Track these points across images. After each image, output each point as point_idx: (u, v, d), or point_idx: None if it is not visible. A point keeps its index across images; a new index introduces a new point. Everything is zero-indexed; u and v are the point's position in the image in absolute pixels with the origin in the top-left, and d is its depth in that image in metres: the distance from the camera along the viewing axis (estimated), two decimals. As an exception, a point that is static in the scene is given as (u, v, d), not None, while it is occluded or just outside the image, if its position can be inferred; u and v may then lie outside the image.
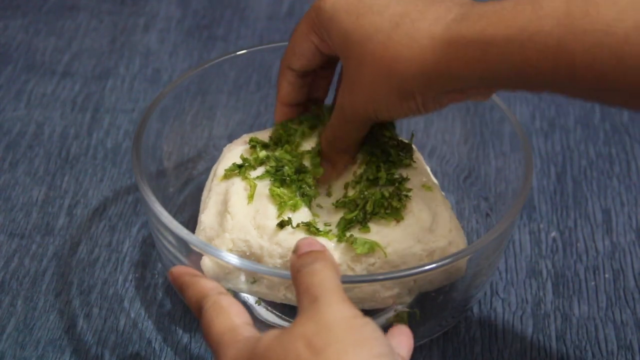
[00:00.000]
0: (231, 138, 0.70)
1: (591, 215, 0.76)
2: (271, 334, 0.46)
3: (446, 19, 0.53)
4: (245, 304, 0.63)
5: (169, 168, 0.71)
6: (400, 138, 0.65)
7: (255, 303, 0.63)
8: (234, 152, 0.66)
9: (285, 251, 0.58)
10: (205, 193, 0.66)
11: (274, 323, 0.63)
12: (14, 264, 0.71)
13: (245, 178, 0.62)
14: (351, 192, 0.63)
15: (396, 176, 0.62)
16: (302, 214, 0.61)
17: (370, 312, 0.59)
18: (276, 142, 0.65)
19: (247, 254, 0.59)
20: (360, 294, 0.58)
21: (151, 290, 0.69)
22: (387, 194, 0.61)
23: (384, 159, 0.63)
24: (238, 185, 0.62)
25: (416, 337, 0.54)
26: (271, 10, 1.01)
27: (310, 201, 0.62)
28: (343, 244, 0.59)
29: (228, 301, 0.52)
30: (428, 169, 0.68)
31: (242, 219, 0.60)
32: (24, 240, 0.73)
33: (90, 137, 0.83)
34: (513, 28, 0.49)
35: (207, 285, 0.53)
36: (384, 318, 0.60)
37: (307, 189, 0.62)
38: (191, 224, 0.67)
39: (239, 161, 0.64)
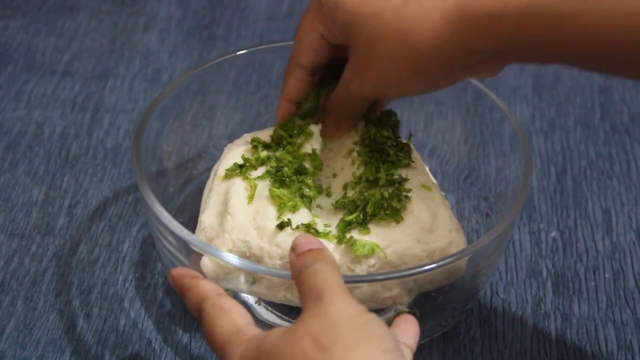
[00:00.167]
0: (231, 138, 0.70)
1: (591, 215, 0.76)
2: (277, 332, 0.46)
3: None
4: (245, 304, 0.63)
5: (169, 168, 0.71)
6: (399, 138, 0.65)
7: (255, 303, 0.63)
8: (235, 152, 0.66)
9: (285, 252, 0.58)
10: (205, 193, 0.66)
11: (274, 323, 0.63)
12: (14, 264, 0.71)
13: (245, 178, 0.62)
14: (350, 193, 0.63)
15: (395, 177, 0.62)
16: (302, 215, 0.61)
17: (370, 312, 0.59)
18: (277, 142, 0.65)
19: (247, 254, 0.59)
20: (360, 295, 0.58)
21: (151, 290, 0.69)
22: (386, 195, 0.61)
23: (383, 160, 0.63)
24: (239, 186, 0.62)
25: (416, 337, 0.54)
26: (271, 10, 1.01)
27: (310, 202, 0.62)
28: (343, 246, 0.59)
29: (229, 303, 0.52)
30: (427, 169, 0.68)
31: (242, 220, 0.60)
32: (24, 240, 0.73)
33: (90, 137, 0.83)
34: (523, 1, 0.49)
35: (207, 287, 0.53)
36: (384, 318, 0.60)
37: (307, 190, 0.62)
38: (191, 224, 0.67)
39: (240, 161, 0.64)
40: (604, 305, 0.68)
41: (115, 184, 0.78)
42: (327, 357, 0.43)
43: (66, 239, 0.73)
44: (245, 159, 0.64)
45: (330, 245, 0.59)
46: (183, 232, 0.57)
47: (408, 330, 0.52)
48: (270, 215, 0.60)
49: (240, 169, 0.63)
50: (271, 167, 0.63)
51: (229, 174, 0.63)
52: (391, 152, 0.63)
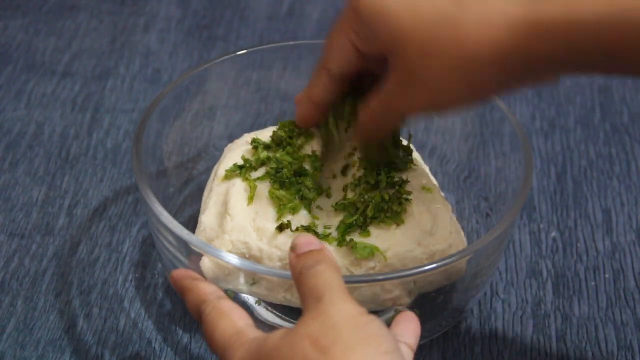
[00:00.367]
0: (231, 138, 0.70)
1: (591, 215, 0.76)
2: (277, 333, 0.46)
3: None
4: (245, 304, 0.63)
5: (169, 168, 0.71)
6: (400, 140, 0.65)
7: (255, 303, 0.63)
8: (235, 152, 0.66)
9: (285, 254, 0.58)
10: (206, 193, 0.66)
11: (274, 323, 0.63)
12: (14, 264, 0.71)
13: (245, 179, 0.62)
14: (350, 195, 0.63)
15: (396, 179, 0.62)
16: (302, 217, 0.61)
17: (370, 313, 0.59)
18: (278, 143, 0.65)
19: (247, 256, 0.59)
20: (360, 297, 0.58)
21: (151, 290, 0.69)
22: (387, 198, 0.61)
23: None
24: (238, 186, 0.62)
25: (416, 337, 0.54)
26: (271, 10, 1.00)
27: (309, 204, 0.62)
28: (343, 248, 0.59)
29: (229, 305, 0.52)
30: (427, 169, 0.68)
31: (242, 221, 0.60)
32: (24, 240, 0.73)
33: (90, 137, 0.83)
34: (604, 5, 0.45)
35: (206, 289, 0.53)
36: (384, 319, 0.60)
37: (307, 191, 0.62)
38: (191, 224, 0.67)
39: (240, 161, 0.64)
40: (604, 305, 0.68)
41: (115, 184, 0.78)
42: (327, 358, 0.43)
43: (66, 239, 0.73)
44: (245, 160, 0.64)
45: (330, 248, 0.59)
46: (183, 232, 0.57)
47: (408, 328, 0.52)
48: (269, 217, 0.60)
49: (240, 170, 0.63)
50: (271, 168, 0.63)
51: (229, 175, 0.63)
52: (391, 154, 0.63)
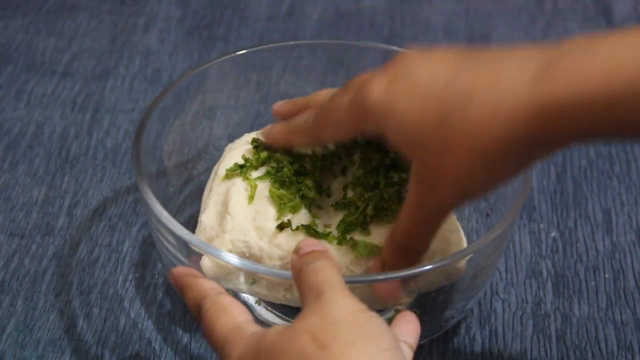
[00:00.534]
0: (231, 138, 0.70)
1: (591, 215, 0.76)
2: (276, 329, 0.46)
3: (523, 81, 0.46)
4: (245, 304, 0.63)
5: (169, 168, 0.71)
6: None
7: (255, 303, 0.63)
8: (236, 152, 0.65)
9: (285, 253, 0.58)
10: (206, 193, 0.66)
11: (273, 323, 0.63)
12: (14, 264, 0.71)
13: (246, 178, 0.62)
14: (350, 194, 0.63)
15: (396, 179, 0.62)
16: (302, 216, 0.61)
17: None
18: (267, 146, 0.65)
19: (247, 255, 0.59)
20: (359, 296, 0.58)
21: (151, 290, 0.69)
22: (387, 197, 0.61)
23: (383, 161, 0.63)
24: (239, 186, 0.62)
25: (416, 337, 0.54)
26: (271, 10, 1.01)
27: (310, 203, 0.62)
28: (343, 247, 0.59)
29: (229, 301, 0.52)
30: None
31: (242, 220, 0.60)
32: (24, 240, 0.73)
33: (90, 137, 0.83)
34: (616, 84, 0.44)
35: (207, 285, 0.53)
36: (384, 318, 0.60)
37: (307, 191, 0.62)
38: (191, 224, 0.67)
39: (241, 161, 0.64)
40: (604, 305, 0.68)
41: (115, 184, 0.78)
42: (326, 354, 0.43)
43: (66, 239, 0.73)
44: (246, 159, 0.64)
45: (330, 247, 0.59)
46: (183, 232, 0.57)
47: (408, 328, 0.52)
48: (270, 216, 0.60)
49: (241, 169, 0.63)
50: (271, 167, 0.63)
51: (229, 174, 0.63)
52: (390, 153, 0.63)
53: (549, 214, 0.76)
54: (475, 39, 0.98)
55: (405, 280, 0.57)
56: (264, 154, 0.64)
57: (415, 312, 0.58)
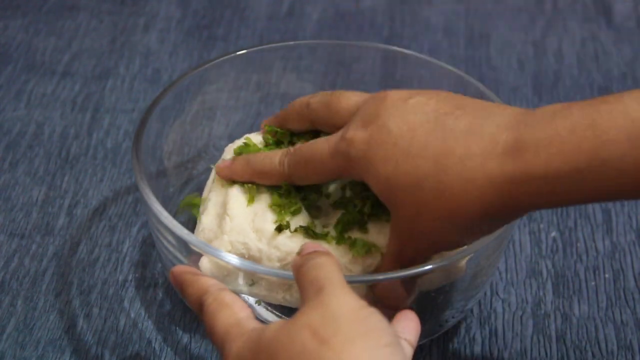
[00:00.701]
0: (231, 138, 0.70)
1: (591, 215, 0.76)
2: (276, 324, 0.46)
3: (496, 152, 0.50)
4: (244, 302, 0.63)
5: (169, 168, 0.71)
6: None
7: (256, 303, 0.63)
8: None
9: (284, 255, 0.58)
10: (205, 192, 0.66)
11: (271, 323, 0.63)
12: (14, 264, 0.71)
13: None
14: (349, 193, 0.63)
15: None
16: (301, 217, 0.61)
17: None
18: (278, 142, 0.65)
19: (246, 257, 0.59)
20: (358, 294, 0.58)
21: (151, 290, 0.69)
22: None
23: None
24: (238, 187, 0.62)
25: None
26: (271, 10, 1.01)
27: (309, 205, 0.62)
28: (341, 246, 0.59)
29: (230, 297, 0.52)
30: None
31: (241, 222, 0.60)
32: (24, 240, 0.73)
33: (90, 137, 0.83)
34: (580, 158, 0.47)
35: (208, 282, 0.53)
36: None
37: (308, 194, 0.62)
38: (191, 224, 0.67)
39: None
40: (604, 305, 0.68)
41: (115, 184, 0.78)
42: (327, 349, 0.43)
43: (66, 239, 0.73)
44: None
45: (329, 247, 0.59)
46: (183, 232, 0.57)
47: (409, 326, 0.52)
48: (269, 218, 0.60)
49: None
50: None
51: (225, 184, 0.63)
52: None
53: (549, 214, 0.76)
54: (475, 39, 0.98)
55: (408, 283, 0.57)
56: None
57: (413, 309, 0.58)
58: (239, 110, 0.79)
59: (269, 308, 0.64)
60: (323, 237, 0.59)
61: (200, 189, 0.68)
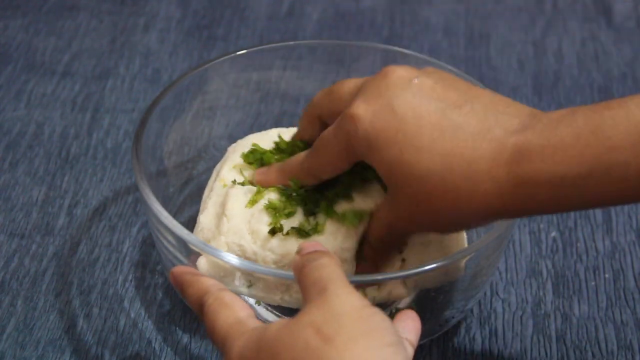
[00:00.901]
0: (231, 138, 0.70)
1: (591, 215, 0.76)
2: (278, 323, 0.47)
3: (503, 158, 0.50)
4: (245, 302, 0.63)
5: (169, 168, 0.71)
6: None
7: (255, 303, 0.63)
8: (238, 154, 0.65)
9: (279, 257, 0.58)
10: (206, 193, 0.66)
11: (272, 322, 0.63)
12: (14, 264, 0.71)
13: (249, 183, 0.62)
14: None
15: None
16: (296, 218, 0.60)
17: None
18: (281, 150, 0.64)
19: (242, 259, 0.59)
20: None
21: (151, 290, 0.69)
22: (372, 176, 0.60)
23: None
24: (238, 188, 0.62)
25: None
26: (271, 10, 1.01)
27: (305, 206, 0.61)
28: (331, 235, 0.58)
29: (230, 296, 0.52)
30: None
31: (238, 223, 0.59)
32: (24, 240, 0.73)
33: (90, 137, 0.83)
34: (583, 164, 0.47)
35: (208, 282, 0.53)
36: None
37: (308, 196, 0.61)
38: (191, 224, 0.67)
39: (240, 178, 0.63)
40: (604, 305, 0.68)
41: (115, 184, 0.78)
42: (330, 347, 0.44)
43: (66, 239, 0.73)
44: (243, 176, 0.63)
45: (320, 238, 0.58)
46: (183, 232, 0.57)
47: (409, 325, 0.52)
48: (264, 219, 0.59)
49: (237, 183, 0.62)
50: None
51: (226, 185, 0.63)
52: None
53: (549, 214, 0.76)
54: (475, 39, 0.98)
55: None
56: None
57: (413, 308, 0.58)
58: (239, 110, 0.79)
59: (269, 308, 0.64)
60: (315, 231, 0.58)
61: (200, 189, 0.68)
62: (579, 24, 1.00)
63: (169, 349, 0.65)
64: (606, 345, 0.65)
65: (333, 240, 0.58)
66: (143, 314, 0.67)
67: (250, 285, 0.58)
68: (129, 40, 0.96)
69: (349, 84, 0.58)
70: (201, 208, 0.64)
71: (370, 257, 0.59)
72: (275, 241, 0.58)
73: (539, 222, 0.75)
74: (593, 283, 0.70)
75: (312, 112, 0.62)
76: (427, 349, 0.65)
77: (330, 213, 0.59)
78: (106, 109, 0.86)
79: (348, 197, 0.59)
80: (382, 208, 0.57)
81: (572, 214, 0.76)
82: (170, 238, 0.59)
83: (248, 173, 0.63)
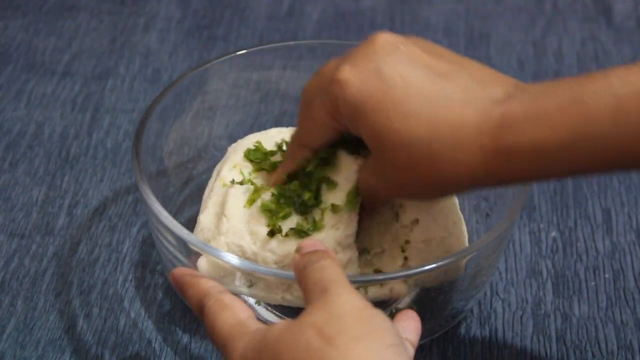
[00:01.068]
0: (231, 138, 0.70)
1: (591, 215, 0.76)
2: (280, 324, 0.47)
3: (488, 126, 0.50)
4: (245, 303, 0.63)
5: (169, 168, 0.71)
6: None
7: (255, 303, 0.63)
8: (239, 154, 0.65)
9: (279, 258, 0.58)
10: (206, 192, 0.66)
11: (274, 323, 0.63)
12: (14, 264, 0.71)
13: (249, 181, 0.62)
14: None
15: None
16: (292, 219, 0.59)
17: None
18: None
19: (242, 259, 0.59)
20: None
21: (151, 290, 0.69)
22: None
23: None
24: (237, 188, 0.62)
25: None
26: (271, 10, 1.01)
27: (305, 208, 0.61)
28: (330, 232, 0.58)
29: (230, 298, 0.52)
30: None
31: (238, 223, 0.59)
32: (24, 240, 0.73)
33: (90, 137, 0.83)
34: (565, 134, 0.48)
35: (208, 284, 0.53)
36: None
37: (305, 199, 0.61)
38: (191, 224, 0.67)
39: (238, 178, 0.63)
40: (604, 305, 0.68)
41: (115, 184, 0.78)
42: (331, 348, 0.44)
43: (66, 239, 0.73)
44: (242, 176, 0.63)
45: (320, 235, 0.58)
46: (183, 232, 0.57)
47: (410, 325, 0.52)
48: (262, 220, 0.59)
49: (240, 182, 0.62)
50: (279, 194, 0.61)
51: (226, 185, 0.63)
52: None
53: (549, 214, 0.76)
54: (475, 39, 0.98)
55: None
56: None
57: (412, 308, 0.58)
58: (239, 110, 0.79)
59: (269, 308, 0.64)
60: (313, 229, 0.58)
61: (200, 189, 0.68)
62: (579, 24, 1.00)
63: (169, 349, 0.65)
64: (606, 345, 0.65)
65: (334, 232, 0.58)
66: (143, 314, 0.67)
67: (250, 285, 0.58)
68: (129, 40, 0.96)
69: (336, 60, 0.58)
70: (201, 208, 0.64)
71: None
72: (274, 242, 0.58)
73: (539, 222, 0.75)
74: (593, 283, 0.70)
75: (306, 97, 0.60)
76: (427, 349, 0.65)
77: (318, 202, 0.59)
78: (106, 109, 0.86)
79: (331, 183, 0.59)
80: (364, 172, 0.57)
81: (572, 214, 0.76)
82: (170, 238, 0.59)
83: (248, 171, 0.63)
